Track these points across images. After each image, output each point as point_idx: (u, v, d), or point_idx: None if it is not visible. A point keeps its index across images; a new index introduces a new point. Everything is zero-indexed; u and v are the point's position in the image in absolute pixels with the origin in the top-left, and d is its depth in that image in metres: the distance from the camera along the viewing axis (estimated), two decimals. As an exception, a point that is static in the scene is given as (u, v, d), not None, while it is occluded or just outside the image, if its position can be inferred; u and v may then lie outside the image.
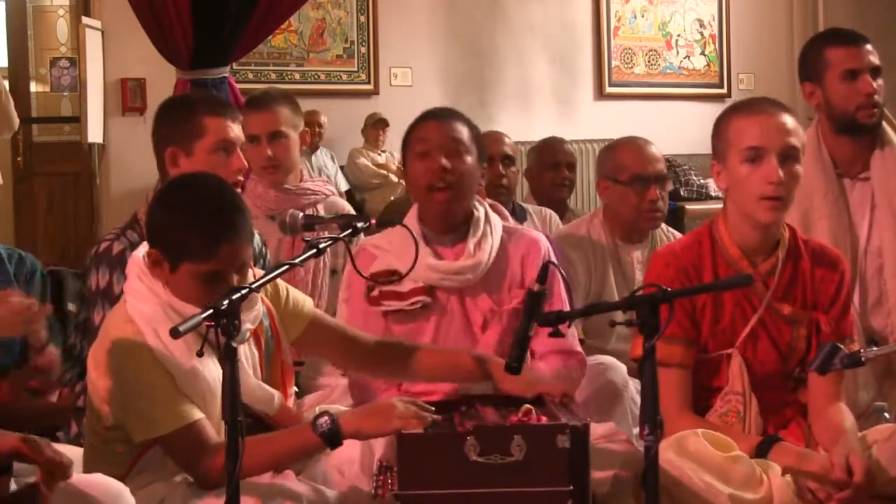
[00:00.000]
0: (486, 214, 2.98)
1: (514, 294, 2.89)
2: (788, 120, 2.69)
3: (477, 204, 2.98)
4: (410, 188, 2.99)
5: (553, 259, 2.91)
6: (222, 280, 2.31)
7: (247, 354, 2.47)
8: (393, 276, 2.84)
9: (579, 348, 2.96)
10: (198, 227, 2.31)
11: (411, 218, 2.96)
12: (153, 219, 2.41)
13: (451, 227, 2.94)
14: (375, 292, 2.90)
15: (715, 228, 2.78)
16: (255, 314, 2.41)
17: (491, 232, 2.94)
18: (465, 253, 2.90)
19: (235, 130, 3.08)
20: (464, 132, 2.93)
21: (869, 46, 3.29)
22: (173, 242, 2.34)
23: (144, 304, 2.36)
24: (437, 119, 2.95)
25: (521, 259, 2.94)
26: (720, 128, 2.75)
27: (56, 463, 2.06)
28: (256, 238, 3.32)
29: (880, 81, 3.28)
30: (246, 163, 3.07)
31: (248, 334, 2.45)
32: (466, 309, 2.90)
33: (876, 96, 3.26)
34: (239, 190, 3.01)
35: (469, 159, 2.90)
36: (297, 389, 2.72)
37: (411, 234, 2.64)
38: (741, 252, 2.74)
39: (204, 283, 2.32)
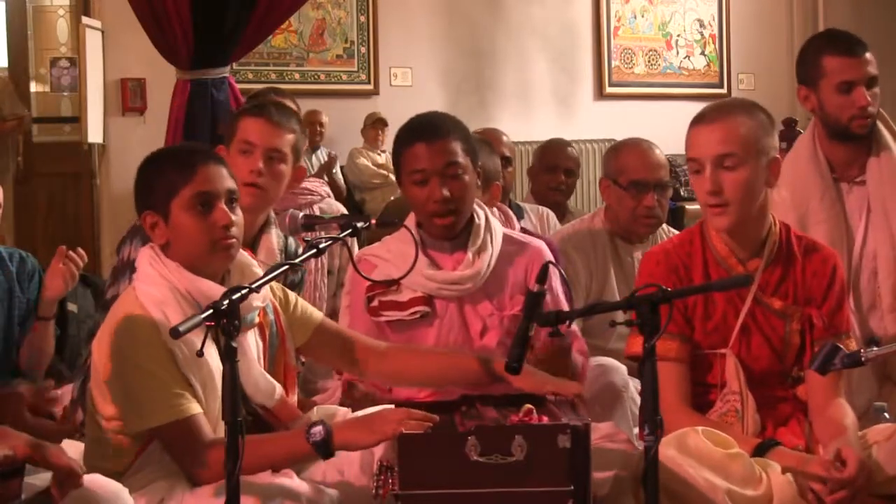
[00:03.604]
0: (487, 221, 2.95)
1: (517, 301, 2.88)
2: (740, 125, 2.68)
3: (478, 209, 2.96)
4: (411, 207, 2.94)
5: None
6: (212, 206, 2.41)
7: (252, 343, 2.48)
8: (390, 284, 2.83)
9: (585, 347, 2.97)
10: (171, 161, 2.48)
11: (410, 222, 2.94)
12: (138, 187, 2.50)
13: (451, 235, 2.92)
14: (375, 303, 2.89)
15: (705, 226, 2.79)
16: (263, 293, 2.42)
17: (491, 241, 2.92)
18: (465, 262, 2.89)
19: (265, 134, 3.06)
20: (457, 148, 2.85)
21: (868, 55, 3.25)
22: (156, 188, 2.44)
23: (155, 288, 2.39)
24: (427, 141, 2.84)
25: (525, 267, 2.93)
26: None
27: (67, 470, 2.05)
28: (291, 240, 3.29)
29: (876, 90, 3.26)
30: (261, 164, 3.04)
31: (256, 317, 2.47)
32: (466, 317, 2.89)
33: (870, 108, 3.24)
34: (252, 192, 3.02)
35: (467, 177, 2.87)
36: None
37: (413, 236, 2.62)
38: (728, 249, 2.74)
39: (196, 213, 2.41)
